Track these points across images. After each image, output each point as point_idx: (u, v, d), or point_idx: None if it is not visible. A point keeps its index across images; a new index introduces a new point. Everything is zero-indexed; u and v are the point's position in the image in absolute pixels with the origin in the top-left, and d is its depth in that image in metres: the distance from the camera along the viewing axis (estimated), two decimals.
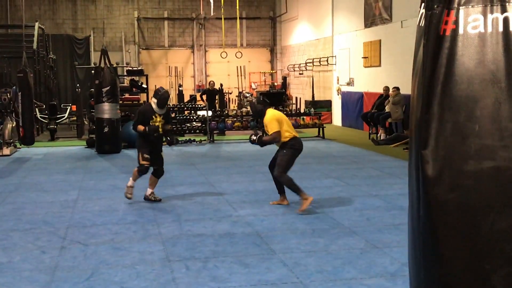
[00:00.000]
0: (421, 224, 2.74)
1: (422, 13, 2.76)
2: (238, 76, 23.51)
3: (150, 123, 7.62)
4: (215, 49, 25.04)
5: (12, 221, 6.92)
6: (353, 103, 18.32)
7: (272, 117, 7.09)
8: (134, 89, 16.04)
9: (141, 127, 7.61)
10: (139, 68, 19.21)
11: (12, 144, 13.30)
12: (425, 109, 2.68)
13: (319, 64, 20.64)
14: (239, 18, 23.45)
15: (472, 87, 2.61)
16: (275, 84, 23.49)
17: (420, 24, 2.78)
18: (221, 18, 23.03)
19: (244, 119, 15.97)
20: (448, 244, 2.65)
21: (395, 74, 15.37)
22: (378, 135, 14.90)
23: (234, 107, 21.33)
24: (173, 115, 15.99)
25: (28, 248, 5.81)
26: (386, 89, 15.04)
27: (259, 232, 6.24)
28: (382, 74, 16.35)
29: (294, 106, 19.76)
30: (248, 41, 25.78)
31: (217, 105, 18.01)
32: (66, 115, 17.81)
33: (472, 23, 2.62)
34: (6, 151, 12.82)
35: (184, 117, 15.93)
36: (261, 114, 7.21)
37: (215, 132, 15.57)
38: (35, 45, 17.75)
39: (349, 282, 4.73)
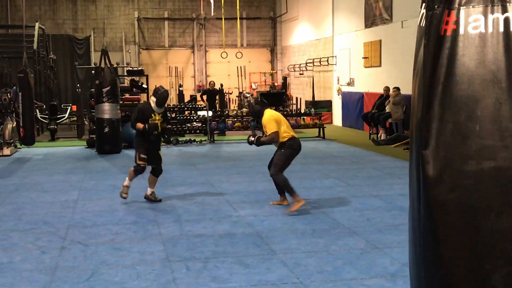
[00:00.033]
0: (421, 224, 2.74)
1: (423, 13, 2.76)
2: (238, 76, 23.52)
3: (149, 121, 7.62)
4: (216, 49, 25.04)
5: (13, 221, 6.92)
6: (353, 103, 18.32)
7: (270, 117, 7.08)
8: (134, 89, 16.04)
9: (140, 125, 7.60)
10: (140, 68, 19.22)
11: (12, 144, 13.30)
12: (426, 109, 2.68)
13: (319, 64, 20.64)
14: (240, 18, 23.45)
15: (472, 87, 2.61)
16: (276, 84, 23.50)
17: (421, 25, 2.78)
18: (221, 18, 23.04)
19: (244, 119, 15.97)
20: (449, 244, 2.65)
21: (395, 74, 15.37)
22: (379, 135, 14.90)
23: (234, 107, 21.34)
24: (173, 115, 16.01)
25: (28, 248, 5.81)
26: (387, 89, 15.04)
27: (259, 233, 6.24)
28: (382, 74, 16.35)
29: (294, 106, 19.76)
30: (248, 41, 25.79)
31: (217, 105, 18.02)
32: (67, 115, 17.82)
33: (473, 23, 2.61)
34: (6, 151, 12.83)
35: (185, 117, 15.94)
36: (259, 115, 7.20)
37: (215, 132, 15.57)
38: (35, 45, 17.76)
39: (350, 283, 4.73)
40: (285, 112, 16.62)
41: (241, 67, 23.50)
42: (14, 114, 13.59)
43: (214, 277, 4.88)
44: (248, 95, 19.95)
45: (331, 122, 19.85)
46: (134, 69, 17.86)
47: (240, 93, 21.72)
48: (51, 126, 16.20)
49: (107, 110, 12.96)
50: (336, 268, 5.08)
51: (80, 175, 10.14)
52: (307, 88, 22.13)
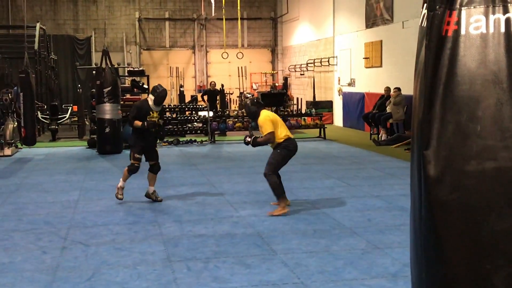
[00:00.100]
0: (423, 224, 2.75)
1: (424, 13, 2.76)
2: (239, 76, 23.53)
3: (147, 119, 7.62)
4: (216, 49, 25.06)
5: (14, 221, 6.93)
6: (354, 104, 18.32)
7: (266, 118, 7.08)
8: (135, 89, 16.05)
9: (138, 123, 7.59)
10: (140, 68, 19.23)
11: (13, 145, 13.31)
12: (427, 110, 2.69)
13: (320, 65, 20.64)
14: (240, 18, 23.46)
15: (474, 88, 2.61)
16: (276, 84, 23.50)
17: (422, 25, 2.78)
18: (222, 19, 23.06)
19: (245, 120, 15.97)
20: (450, 244, 2.65)
21: (396, 75, 15.37)
22: (379, 135, 14.89)
23: (235, 107, 21.34)
24: (174, 115, 16.04)
25: (29, 248, 5.81)
26: (387, 89, 15.04)
27: (260, 233, 6.24)
28: (383, 75, 16.35)
29: (295, 106, 19.77)
30: (249, 41, 25.80)
31: (218, 105, 18.02)
32: (68, 115, 17.84)
33: (474, 24, 2.62)
34: (7, 151, 12.84)
35: (185, 117, 15.95)
36: (255, 116, 7.20)
37: (216, 132, 15.58)
38: (36, 46, 17.78)
39: (350, 283, 4.73)
40: (286, 113, 16.65)
41: (242, 67, 23.50)
42: (15, 114, 13.60)
43: (215, 277, 4.89)
44: (249, 95, 19.95)
45: (332, 123, 19.86)
46: (135, 69, 17.86)
47: (241, 93, 21.73)
48: (52, 127, 16.21)
49: (108, 110, 12.97)
50: (337, 268, 5.08)
51: (81, 175, 10.15)
52: (308, 89, 22.13)
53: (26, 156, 12.86)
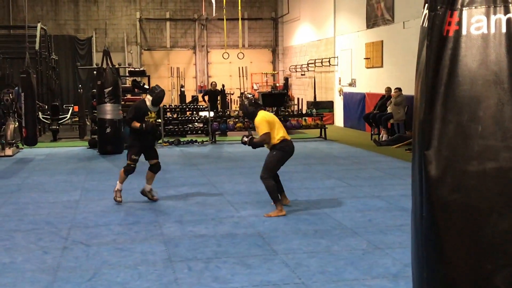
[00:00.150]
0: (424, 225, 2.75)
1: (426, 14, 2.76)
2: (240, 77, 23.52)
3: (145, 119, 7.61)
4: (217, 50, 25.06)
5: (15, 221, 6.93)
6: (355, 104, 18.31)
7: (263, 118, 7.08)
8: (136, 89, 16.06)
9: (136, 124, 7.59)
10: (141, 69, 19.25)
11: (14, 145, 13.31)
12: (428, 110, 2.69)
13: (321, 65, 20.64)
14: (241, 19, 23.46)
15: (475, 88, 2.62)
16: (277, 85, 23.50)
17: (424, 25, 2.79)
18: (223, 19, 23.06)
19: (245, 120, 15.97)
20: (451, 244, 2.66)
21: (397, 75, 15.37)
22: (380, 136, 14.89)
23: (236, 108, 21.34)
24: (175, 115, 16.04)
25: (30, 248, 5.81)
26: (388, 90, 15.03)
27: (261, 233, 6.24)
28: (384, 75, 16.35)
29: (296, 107, 19.76)
30: (250, 42, 25.80)
31: (219, 106, 18.01)
32: (68, 115, 17.84)
33: (475, 24, 2.62)
34: (8, 151, 12.84)
35: (186, 118, 15.94)
36: (252, 116, 7.20)
37: (217, 133, 15.58)
38: (37, 46, 17.78)
39: (351, 283, 4.73)
40: (287, 113, 16.65)
41: (242, 67, 23.51)
42: (16, 114, 13.61)
43: (216, 277, 4.89)
44: (249, 95, 19.94)
45: (333, 123, 19.85)
46: (136, 69, 17.88)
47: (241, 93, 21.69)
48: (53, 127, 16.22)
49: (109, 110, 12.98)
50: (338, 268, 5.08)
51: (82, 176, 10.15)
52: (308, 89, 22.13)
53: (27, 156, 12.87)
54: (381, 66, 16.57)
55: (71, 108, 18.33)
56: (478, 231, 2.61)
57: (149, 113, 7.65)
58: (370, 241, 5.89)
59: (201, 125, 15.64)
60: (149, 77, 17.35)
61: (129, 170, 7.70)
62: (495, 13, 2.60)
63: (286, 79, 23.15)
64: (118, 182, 7.79)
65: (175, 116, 16.10)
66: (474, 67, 2.62)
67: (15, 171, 10.85)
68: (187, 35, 25.46)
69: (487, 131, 2.59)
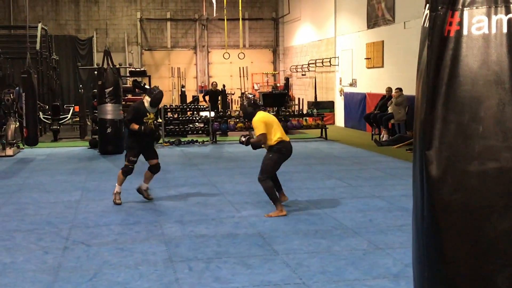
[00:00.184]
0: (425, 225, 2.75)
1: (427, 14, 2.76)
2: (240, 77, 23.53)
3: (144, 120, 7.62)
4: (218, 50, 25.07)
5: (15, 221, 6.94)
6: (355, 104, 18.31)
7: (260, 119, 7.09)
8: (136, 90, 16.06)
9: (135, 126, 7.59)
10: (142, 69, 19.25)
11: (15, 145, 13.32)
12: (429, 110, 2.69)
13: (321, 65, 20.64)
14: (242, 19, 23.47)
15: (476, 88, 2.62)
16: (278, 85, 23.50)
17: (425, 25, 2.79)
18: (223, 19, 23.07)
19: (246, 120, 15.96)
20: (452, 244, 2.65)
21: (397, 75, 15.37)
22: (381, 136, 14.89)
23: (236, 108, 21.34)
24: (175, 116, 16.04)
25: (31, 248, 5.82)
26: (389, 90, 15.04)
27: (261, 233, 6.24)
28: (384, 75, 16.35)
29: (296, 107, 19.76)
30: (250, 42, 25.80)
31: (219, 106, 18.01)
32: (69, 115, 17.84)
33: (476, 24, 2.62)
34: (9, 151, 12.85)
35: (187, 118, 15.95)
36: (251, 117, 7.22)
37: (217, 133, 15.58)
38: (38, 46, 17.79)
39: (352, 283, 4.73)
40: (288, 113, 16.65)
41: (243, 67, 23.51)
42: (17, 114, 13.61)
43: (216, 277, 4.89)
44: (250, 95, 19.96)
45: (333, 123, 19.85)
46: (137, 69, 17.88)
47: (242, 93, 21.73)
48: (53, 127, 16.22)
49: (109, 110, 12.98)
50: (338, 268, 5.08)
51: (82, 176, 10.16)
52: (309, 89, 22.13)
53: (28, 156, 12.87)
54: (382, 66, 16.56)
55: (72, 108, 18.33)
56: (479, 231, 2.61)
57: (147, 114, 7.64)
58: (370, 241, 5.89)
59: (202, 125, 15.65)
60: (149, 77, 17.36)
61: (127, 172, 7.71)
62: (496, 13, 2.60)
63: (287, 79, 23.16)
64: (117, 184, 7.80)
65: (175, 116, 16.10)
66: (475, 67, 2.62)
67: (16, 171, 10.86)
68: (187, 35, 25.46)
69: (488, 131, 2.59)
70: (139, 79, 16.44)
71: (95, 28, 24.29)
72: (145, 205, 7.74)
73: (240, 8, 22.58)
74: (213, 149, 13.96)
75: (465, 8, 2.63)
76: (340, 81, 19.58)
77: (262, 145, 7.16)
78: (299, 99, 20.35)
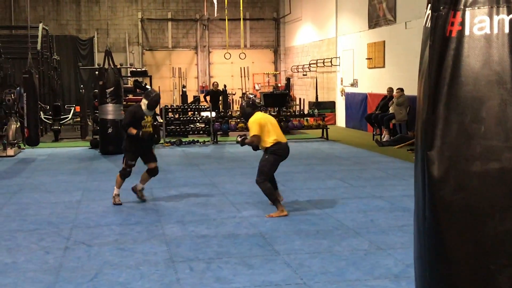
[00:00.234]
0: (426, 225, 2.74)
1: (428, 14, 2.76)
2: (241, 77, 23.53)
3: (142, 123, 7.61)
4: (219, 50, 25.07)
5: (16, 221, 6.94)
6: (357, 104, 18.31)
7: (255, 120, 7.10)
8: (137, 90, 16.07)
9: (133, 130, 7.56)
10: (143, 69, 19.26)
11: (16, 145, 13.32)
12: (431, 110, 2.69)
13: (323, 65, 20.63)
14: (243, 19, 23.47)
15: (478, 88, 2.61)
16: (279, 85, 23.49)
17: (426, 25, 2.78)
18: (224, 19, 23.06)
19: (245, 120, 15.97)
20: (454, 244, 2.65)
21: (399, 75, 15.36)
22: (382, 136, 14.88)
23: (237, 108, 21.33)
24: (176, 116, 16.04)
25: (32, 248, 5.82)
26: (390, 90, 15.03)
27: (262, 233, 6.24)
28: (386, 75, 16.34)
29: (297, 107, 19.75)
30: (251, 42, 25.80)
31: (220, 106, 18.01)
32: (70, 116, 17.85)
33: (478, 25, 2.61)
34: (10, 152, 12.85)
35: (188, 118, 15.95)
36: (248, 117, 7.23)
37: (218, 133, 15.57)
38: (39, 46, 17.79)
39: (353, 284, 4.73)
40: (289, 113, 16.64)
41: (244, 68, 23.51)
42: (18, 114, 13.62)
43: (217, 277, 4.89)
44: (251, 96, 19.95)
45: (335, 123, 19.84)
46: (138, 70, 17.89)
47: (243, 94, 21.73)
48: (54, 127, 16.23)
49: (110, 110, 12.99)
50: (339, 269, 5.08)
51: (83, 176, 10.16)
52: (310, 89, 22.12)
53: (29, 156, 12.87)
54: (383, 67, 16.56)
55: (73, 108, 18.34)
56: (481, 231, 2.61)
57: (145, 117, 7.63)
58: (372, 241, 5.89)
59: (203, 125, 15.65)
60: (150, 77, 17.37)
61: (125, 175, 7.71)
62: (498, 14, 2.59)
63: (288, 80, 23.15)
64: (115, 187, 7.80)
65: (176, 116, 16.10)
66: (477, 67, 2.61)
67: (17, 171, 10.86)
68: (188, 36, 25.46)
69: (490, 131, 2.58)
70: (140, 79, 16.45)
71: (96, 28, 24.29)
72: (146, 205, 7.74)
73: (241, 8, 22.57)
74: (214, 149, 13.96)
75: (467, 8, 2.63)
76: (341, 81, 19.58)
77: (260, 147, 7.17)
78: (300, 99, 20.34)
